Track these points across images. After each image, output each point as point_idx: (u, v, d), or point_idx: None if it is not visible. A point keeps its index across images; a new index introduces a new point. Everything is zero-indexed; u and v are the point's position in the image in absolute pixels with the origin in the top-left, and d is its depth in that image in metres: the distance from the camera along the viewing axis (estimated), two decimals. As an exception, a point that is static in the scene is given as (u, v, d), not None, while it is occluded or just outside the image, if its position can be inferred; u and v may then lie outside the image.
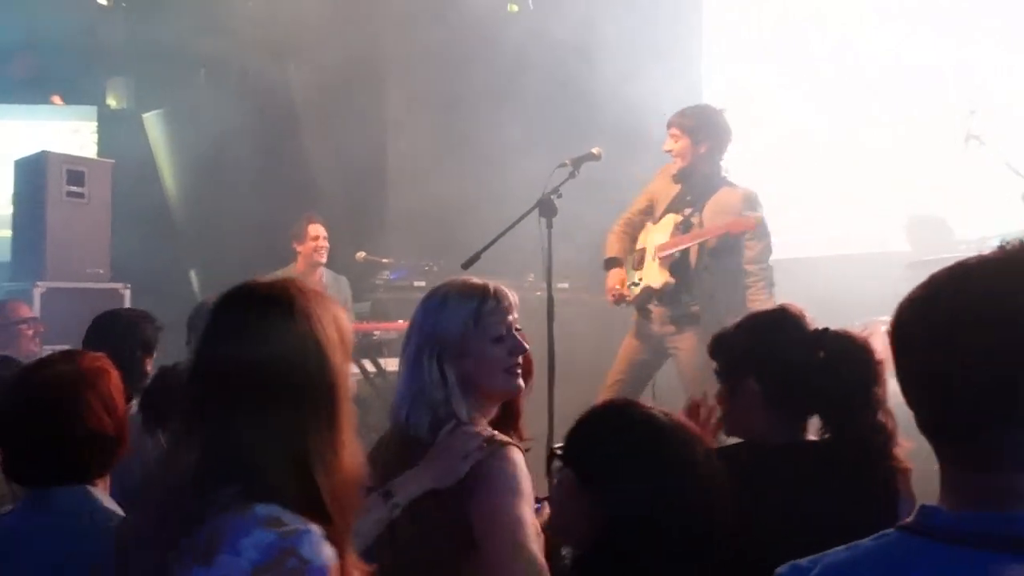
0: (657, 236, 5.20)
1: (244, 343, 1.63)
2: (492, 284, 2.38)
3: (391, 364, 5.90)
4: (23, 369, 2.23)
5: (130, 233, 6.87)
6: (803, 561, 1.34)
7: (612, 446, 1.74)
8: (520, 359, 2.35)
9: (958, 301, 1.27)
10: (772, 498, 2.02)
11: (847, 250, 6.29)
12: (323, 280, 6.63)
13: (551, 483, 1.88)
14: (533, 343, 2.88)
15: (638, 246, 5.35)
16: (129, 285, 6.49)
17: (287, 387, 1.60)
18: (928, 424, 1.30)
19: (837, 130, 6.47)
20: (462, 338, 2.28)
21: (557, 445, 1.85)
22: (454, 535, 2.10)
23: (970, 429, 1.25)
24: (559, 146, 5.33)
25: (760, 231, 5.00)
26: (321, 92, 7.77)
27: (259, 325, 1.64)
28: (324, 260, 6.62)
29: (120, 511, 2.16)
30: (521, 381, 2.37)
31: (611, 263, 5.26)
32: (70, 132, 8.64)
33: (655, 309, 5.18)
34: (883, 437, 2.11)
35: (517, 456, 2.19)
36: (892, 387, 1.58)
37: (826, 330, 2.23)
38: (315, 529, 1.52)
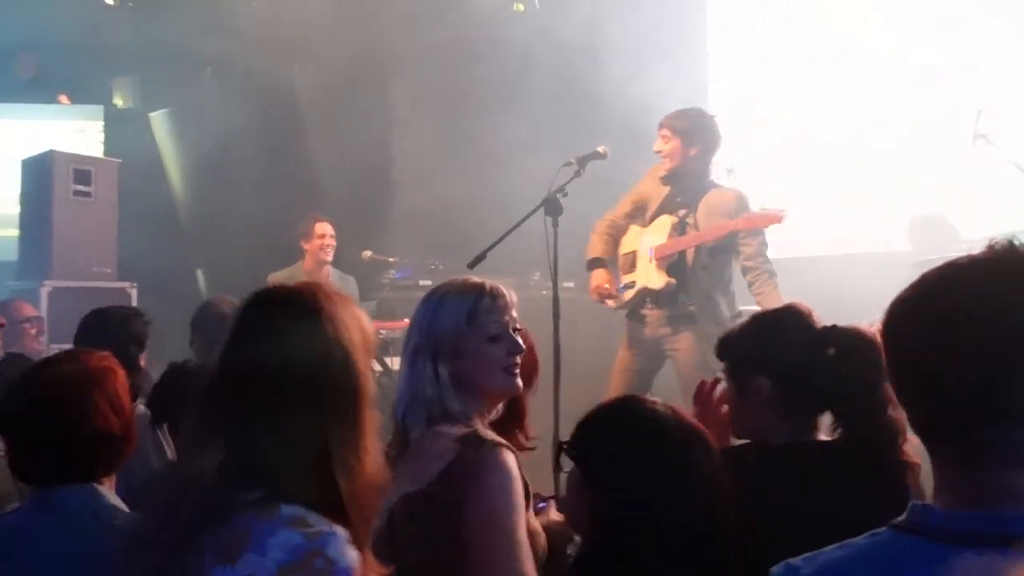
0: (653, 238, 5.20)
1: (270, 346, 1.64)
2: (489, 283, 2.38)
3: (397, 363, 5.90)
4: (29, 368, 2.24)
5: (137, 232, 6.89)
6: (797, 560, 1.35)
7: (614, 445, 1.74)
8: (519, 358, 2.34)
9: (948, 301, 1.27)
10: (783, 497, 2.02)
11: (851, 249, 6.28)
12: (330, 279, 6.63)
13: (557, 480, 1.88)
14: (539, 342, 2.89)
15: (626, 249, 5.34)
16: (136, 284, 6.50)
17: (312, 391, 1.61)
18: (920, 423, 1.31)
19: (841, 130, 6.46)
20: (458, 337, 2.28)
21: (565, 440, 1.85)
22: (452, 535, 2.11)
23: (962, 428, 1.25)
24: (565, 145, 5.33)
25: (754, 228, 5.00)
26: (327, 92, 7.77)
27: (285, 329, 1.65)
28: (330, 258, 6.63)
29: (126, 509, 2.17)
30: (520, 380, 2.36)
31: (595, 263, 5.26)
32: (77, 131, 8.65)
33: (650, 312, 5.18)
34: (893, 433, 2.11)
35: (507, 458, 2.18)
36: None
37: (834, 327, 2.23)
38: (340, 531, 1.54)
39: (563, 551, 2.36)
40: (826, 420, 2.24)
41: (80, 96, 8.98)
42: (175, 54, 7.86)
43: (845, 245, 6.34)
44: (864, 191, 6.20)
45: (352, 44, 7.39)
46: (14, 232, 7.11)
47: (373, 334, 1.75)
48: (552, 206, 4.56)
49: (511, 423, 2.63)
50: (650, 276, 5.16)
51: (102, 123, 8.85)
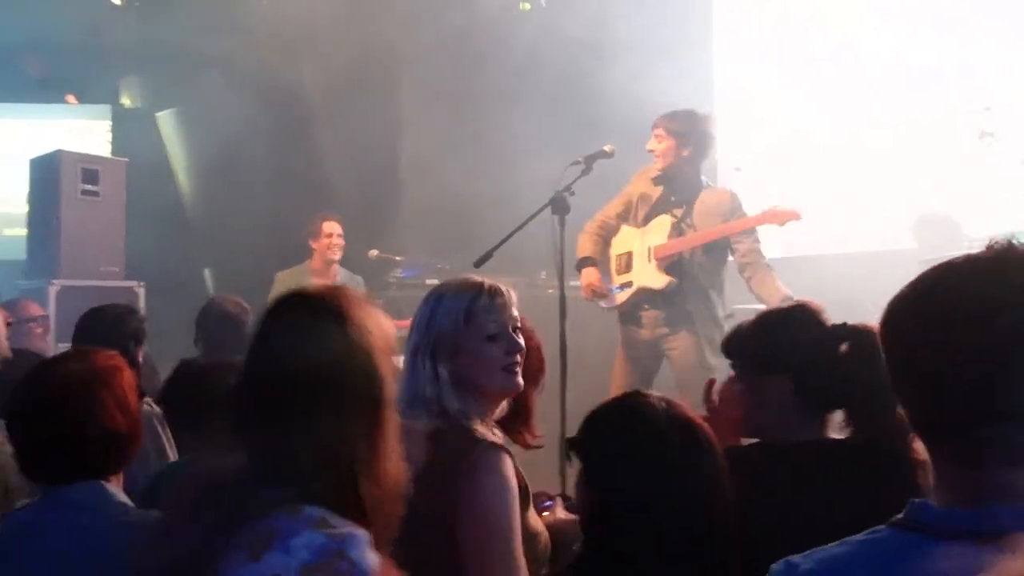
0: (651, 238, 5.21)
1: (296, 349, 1.65)
2: (488, 282, 2.38)
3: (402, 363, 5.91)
4: (36, 367, 2.24)
5: (144, 231, 6.89)
6: (796, 557, 1.35)
7: (612, 446, 1.73)
8: (518, 357, 2.33)
9: (946, 300, 1.28)
10: (798, 496, 2.01)
11: (856, 248, 6.27)
12: (338, 278, 6.64)
13: (563, 478, 1.88)
14: (545, 340, 2.89)
15: (620, 249, 5.34)
16: (143, 283, 6.51)
17: (336, 394, 1.63)
18: (918, 422, 1.32)
19: (844, 129, 6.44)
20: (456, 336, 2.28)
21: (571, 436, 1.85)
22: (447, 534, 2.11)
23: (959, 427, 1.26)
24: (571, 144, 5.33)
25: (772, 224, 5.03)
26: (334, 90, 7.78)
27: (311, 332, 1.66)
28: (338, 257, 6.64)
29: (134, 507, 2.18)
30: (520, 379, 2.35)
31: (586, 262, 5.26)
32: (84, 131, 8.68)
33: (647, 313, 5.20)
34: (906, 431, 2.10)
35: (501, 457, 2.18)
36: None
37: (845, 324, 2.23)
38: (362, 533, 1.55)
39: (570, 550, 2.35)
40: (835, 418, 2.24)
41: (87, 96, 9.01)
42: (182, 54, 7.88)
43: (850, 243, 6.32)
44: (868, 190, 6.19)
45: (359, 43, 7.40)
46: (22, 231, 7.13)
47: (395, 339, 1.76)
48: (559, 205, 4.56)
49: (518, 422, 2.63)
50: (650, 276, 5.16)
51: (109, 123, 8.89)
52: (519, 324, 2.38)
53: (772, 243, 5.11)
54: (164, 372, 4.20)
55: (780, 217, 4.95)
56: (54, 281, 6.12)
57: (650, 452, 1.68)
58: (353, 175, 7.73)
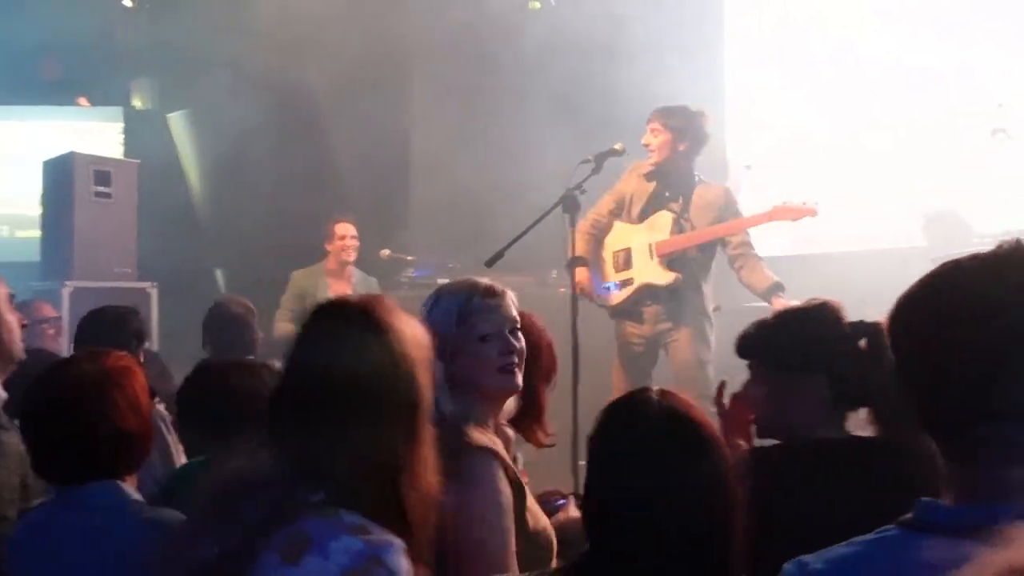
0: (652, 234, 5.20)
1: (336, 357, 1.68)
2: (484, 282, 2.38)
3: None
4: (49, 368, 2.25)
5: (156, 232, 6.91)
6: (806, 557, 1.35)
7: (613, 445, 1.73)
8: (515, 358, 2.32)
9: (949, 298, 1.28)
10: (830, 494, 2.00)
11: (867, 245, 6.25)
12: (353, 279, 6.65)
13: (576, 477, 1.88)
14: (557, 339, 2.89)
15: (618, 246, 5.33)
16: (156, 284, 6.53)
17: (376, 402, 1.65)
18: (922, 419, 1.33)
19: (852, 127, 6.42)
20: (451, 337, 2.27)
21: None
22: (439, 536, 2.10)
23: (956, 425, 1.27)
24: (582, 142, 5.33)
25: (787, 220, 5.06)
26: (343, 90, 7.78)
27: (353, 341, 1.68)
28: (352, 259, 6.63)
29: (149, 506, 2.19)
30: (519, 379, 2.33)
31: (578, 261, 5.25)
32: (97, 133, 8.71)
33: (648, 309, 5.20)
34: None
35: (487, 460, 2.17)
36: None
37: (861, 322, 2.22)
38: (398, 541, 1.56)
39: (574, 550, 2.35)
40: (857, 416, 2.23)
41: (99, 98, 9.04)
42: (193, 55, 7.89)
43: (860, 241, 6.30)
44: (878, 188, 6.17)
45: (369, 42, 7.40)
46: (35, 233, 7.16)
47: (430, 348, 1.78)
48: (570, 203, 4.57)
49: (530, 420, 2.63)
50: (653, 273, 5.16)
51: (121, 124, 8.91)
52: (517, 325, 2.37)
53: (781, 241, 5.10)
54: (176, 373, 4.23)
55: (794, 213, 4.95)
56: (67, 283, 6.14)
57: (649, 451, 1.67)
58: (364, 174, 7.74)
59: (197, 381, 2.96)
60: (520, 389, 2.37)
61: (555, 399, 2.81)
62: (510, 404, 2.43)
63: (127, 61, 8.81)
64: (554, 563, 2.24)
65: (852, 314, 2.26)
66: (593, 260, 5.33)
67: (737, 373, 2.43)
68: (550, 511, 2.56)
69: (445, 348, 2.26)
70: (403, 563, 1.55)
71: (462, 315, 2.30)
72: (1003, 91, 5.71)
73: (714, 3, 7.50)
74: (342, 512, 1.56)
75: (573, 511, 2.66)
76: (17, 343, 2.82)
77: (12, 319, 2.81)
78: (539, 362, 2.69)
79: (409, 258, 6.91)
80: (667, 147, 5.15)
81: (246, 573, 1.53)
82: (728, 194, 5.28)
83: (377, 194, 7.69)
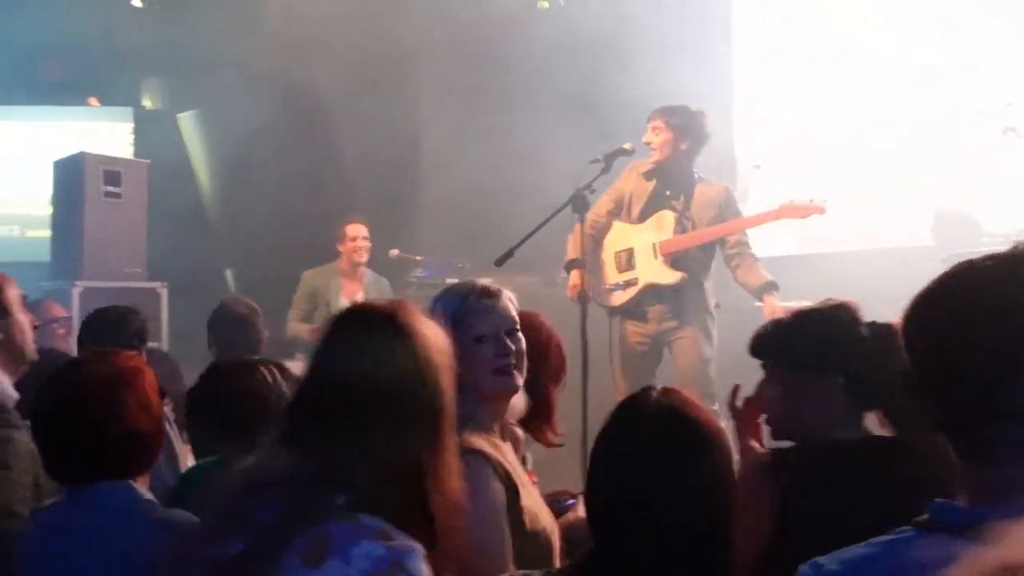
0: (655, 234, 5.19)
1: (361, 361, 1.68)
2: (481, 283, 2.39)
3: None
4: (59, 368, 2.26)
5: (166, 232, 6.93)
6: (822, 558, 1.35)
7: (614, 445, 1.73)
8: (511, 359, 2.31)
9: (962, 299, 1.29)
10: (852, 495, 1.99)
11: (874, 244, 6.24)
12: (365, 280, 6.65)
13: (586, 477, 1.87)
14: (566, 338, 2.89)
15: (619, 247, 5.32)
16: (166, 284, 6.55)
17: (399, 407, 1.65)
18: (935, 419, 1.33)
19: (860, 126, 6.41)
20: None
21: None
22: None
23: (966, 426, 1.28)
24: (590, 141, 5.33)
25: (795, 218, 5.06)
26: (352, 90, 7.79)
27: (378, 346, 1.69)
28: (364, 260, 6.61)
29: (160, 506, 2.19)
30: (516, 380, 2.33)
31: (574, 264, 5.25)
32: (107, 133, 8.73)
33: (652, 308, 5.19)
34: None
35: (475, 464, 2.15)
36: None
37: (874, 323, 2.22)
38: (419, 548, 1.56)
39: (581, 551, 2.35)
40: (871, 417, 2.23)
41: (109, 98, 9.06)
42: (202, 55, 7.90)
43: (866, 240, 6.29)
44: (883, 187, 6.16)
45: (377, 42, 7.41)
46: (46, 233, 7.19)
47: (451, 355, 1.77)
48: (579, 203, 4.56)
49: (539, 420, 2.63)
50: (658, 272, 5.16)
51: (131, 124, 8.93)
52: (515, 325, 2.36)
53: (788, 239, 5.09)
54: (187, 373, 4.24)
55: (802, 211, 4.95)
56: (77, 282, 6.16)
57: (650, 451, 1.68)
58: (373, 174, 7.74)
59: (209, 380, 2.96)
60: (517, 390, 2.36)
61: (564, 399, 2.81)
62: (520, 404, 2.43)
63: (137, 61, 8.82)
64: (557, 563, 2.24)
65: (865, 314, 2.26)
66: (593, 261, 5.32)
67: (737, 370, 2.42)
68: (559, 511, 2.56)
69: None
70: (424, 569, 1.55)
71: (457, 316, 2.30)
72: (1012, 90, 5.69)
73: (722, 1, 7.49)
74: (364, 517, 1.56)
75: (582, 511, 2.66)
76: (29, 344, 2.84)
77: (24, 320, 2.83)
78: (548, 362, 2.69)
79: (418, 258, 6.91)
80: (669, 146, 5.15)
81: (266, 575, 1.53)
82: (728, 192, 5.28)
83: (386, 194, 7.69)
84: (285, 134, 7.78)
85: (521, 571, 2.02)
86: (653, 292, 5.18)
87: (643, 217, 5.27)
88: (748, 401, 2.41)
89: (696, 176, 5.27)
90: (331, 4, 7.30)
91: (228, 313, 4.51)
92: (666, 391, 1.76)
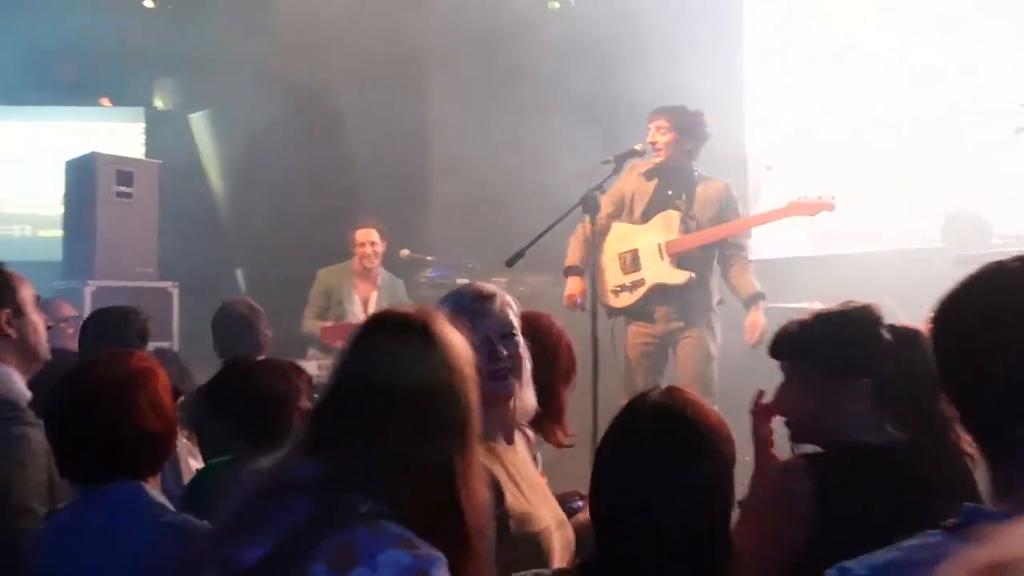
0: (660, 234, 5.19)
1: (386, 368, 1.67)
2: (476, 286, 2.38)
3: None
4: (72, 369, 2.27)
5: (177, 232, 6.95)
6: (850, 562, 1.35)
7: (615, 447, 1.73)
8: (505, 363, 2.30)
9: (991, 301, 1.28)
10: (887, 497, 2.00)
11: (883, 246, 6.22)
12: (380, 281, 6.64)
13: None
14: (576, 339, 2.89)
15: (624, 248, 5.31)
16: (177, 284, 6.57)
17: (425, 414, 1.65)
18: (962, 420, 1.33)
19: (868, 125, 6.39)
20: None
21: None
22: None
23: (993, 427, 1.27)
24: (601, 142, 5.34)
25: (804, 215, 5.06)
26: (364, 91, 7.81)
27: (405, 353, 1.69)
28: (374, 265, 6.57)
29: (172, 508, 2.20)
30: (512, 384, 2.31)
31: (572, 271, 5.25)
32: (118, 133, 8.76)
33: (660, 308, 5.19)
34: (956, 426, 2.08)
35: None
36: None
37: (893, 326, 2.22)
38: (442, 557, 1.56)
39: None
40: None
41: (121, 98, 9.10)
42: (214, 56, 7.93)
43: (877, 241, 6.27)
44: (894, 188, 6.14)
45: (387, 42, 7.42)
46: (58, 233, 7.22)
47: (474, 363, 1.77)
48: (590, 204, 4.56)
49: (550, 420, 2.63)
50: (666, 272, 5.15)
51: (143, 125, 8.96)
52: (511, 329, 2.35)
53: (797, 235, 5.09)
54: (197, 372, 4.26)
55: (810, 208, 4.95)
56: (89, 282, 6.19)
57: (650, 452, 1.68)
58: (384, 174, 7.75)
59: (223, 379, 2.97)
60: (511, 394, 2.34)
61: (575, 399, 2.81)
62: (531, 405, 2.42)
63: (148, 62, 8.86)
64: (556, 563, 2.24)
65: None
66: (593, 263, 5.33)
67: (734, 366, 2.42)
68: (569, 512, 2.55)
69: None
70: None
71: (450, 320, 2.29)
72: (1006, 90, 5.67)
73: (732, 1, 7.48)
74: (389, 524, 1.55)
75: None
76: (43, 344, 2.85)
77: (38, 320, 2.84)
78: (558, 363, 2.68)
79: (429, 258, 6.91)
80: (672, 146, 5.16)
81: None
82: (727, 189, 5.29)
83: (397, 194, 7.70)
84: (296, 134, 7.80)
85: (516, 574, 2.02)
86: (660, 292, 5.17)
87: (645, 217, 5.26)
88: (766, 405, 2.41)
89: (696, 174, 5.28)
90: (343, 5, 7.32)
91: (229, 314, 4.53)
92: (669, 391, 1.76)
